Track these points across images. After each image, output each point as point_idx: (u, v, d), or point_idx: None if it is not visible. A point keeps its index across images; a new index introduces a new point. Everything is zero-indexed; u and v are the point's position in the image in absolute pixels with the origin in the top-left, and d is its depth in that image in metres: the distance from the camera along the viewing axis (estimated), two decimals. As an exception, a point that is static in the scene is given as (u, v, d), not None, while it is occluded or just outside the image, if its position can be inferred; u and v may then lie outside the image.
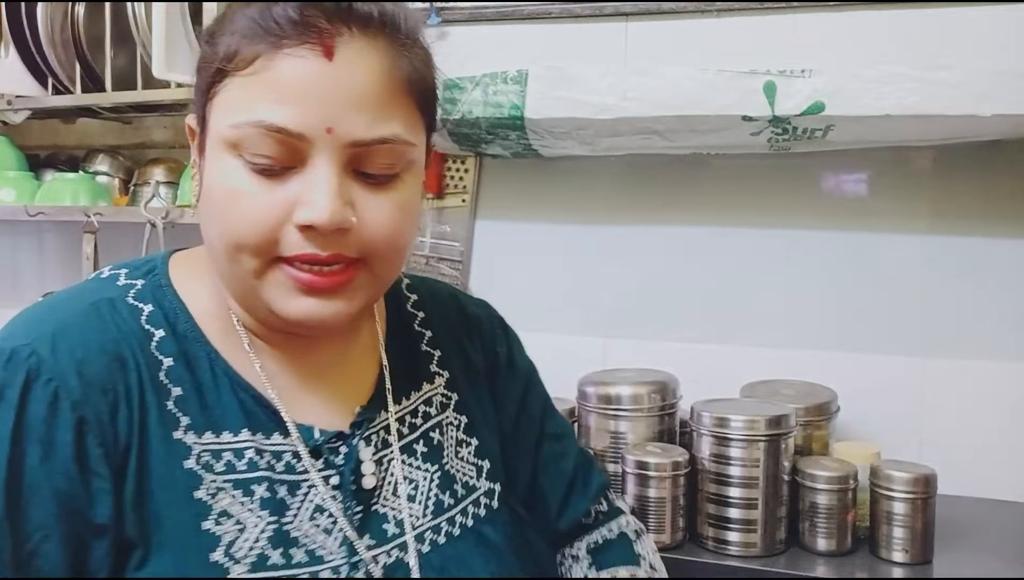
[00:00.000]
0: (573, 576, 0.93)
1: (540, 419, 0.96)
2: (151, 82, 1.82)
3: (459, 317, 0.95)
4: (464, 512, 0.83)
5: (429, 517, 0.81)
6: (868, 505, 1.36)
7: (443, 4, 1.72)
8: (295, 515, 0.74)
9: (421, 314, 0.92)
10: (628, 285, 1.81)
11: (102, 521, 0.68)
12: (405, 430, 0.83)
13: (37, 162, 2.24)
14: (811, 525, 1.35)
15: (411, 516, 0.79)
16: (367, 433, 0.80)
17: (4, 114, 2.02)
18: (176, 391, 0.73)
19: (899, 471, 1.32)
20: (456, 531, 0.82)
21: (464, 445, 0.87)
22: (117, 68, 1.91)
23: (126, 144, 2.25)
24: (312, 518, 0.74)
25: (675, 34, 1.64)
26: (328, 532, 0.75)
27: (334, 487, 0.76)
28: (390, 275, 0.78)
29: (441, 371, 0.89)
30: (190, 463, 0.71)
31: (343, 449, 0.78)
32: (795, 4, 1.55)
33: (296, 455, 0.76)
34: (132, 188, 2.09)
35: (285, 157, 0.69)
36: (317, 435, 0.77)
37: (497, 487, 0.87)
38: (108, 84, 1.90)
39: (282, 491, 0.74)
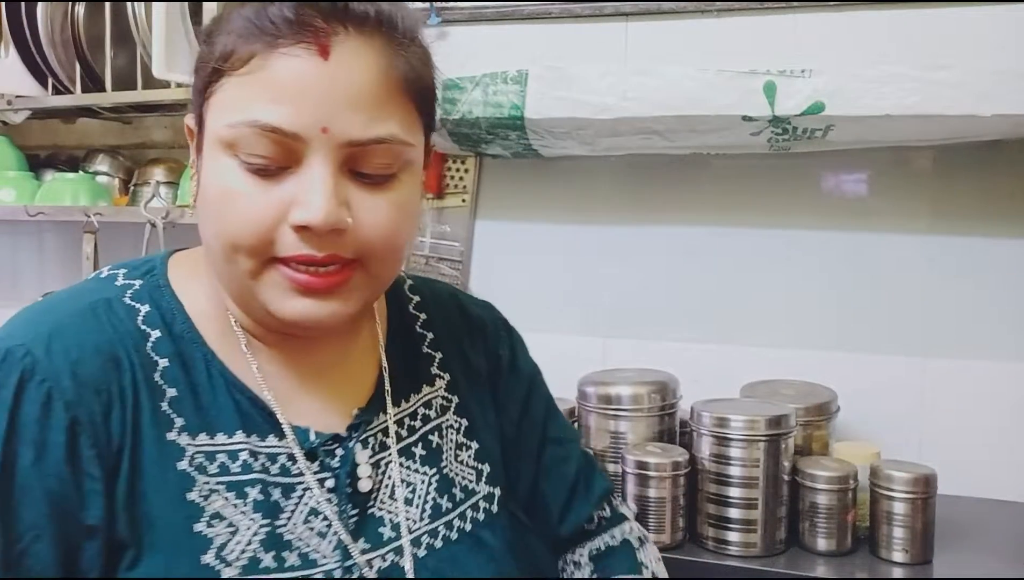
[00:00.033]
0: None
1: (543, 423, 0.94)
2: (151, 82, 1.81)
3: (462, 319, 0.94)
4: (462, 516, 0.83)
5: (426, 521, 0.80)
6: (868, 505, 1.36)
7: (443, 4, 1.72)
8: (289, 518, 0.73)
9: (423, 316, 0.91)
10: (628, 285, 1.81)
11: (94, 522, 0.68)
12: (404, 433, 0.83)
13: (37, 162, 2.24)
14: (811, 525, 1.35)
15: (408, 520, 0.79)
16: (364, 435, 0.79)
17: (4, 114, 2.02)
18: (171, 392, 0.73)
19: (899, 471, 1.32)
20: (454, 535, 0.81)
21: (464, 448, 0.86)
22: (117, 68, 1.91)
23: (126, 144, 2.25)
24: (306, 521, 0.74)
25: (675, 34, 1.64)
26: (322, 535, 0.74)
27: (329, 490, 0.76)
28: (388, 275, 0.77)
29: (442, 374, 0.89)
30: (183, 465, 0.71)
31: (339, 451, 0.77)
32: (795, 4, 1.55)
33: (291, 457, 0.75)
34: (132, 188, 2.10)
35: (281, 157, 0.69)
36: (312, 437, 0.77)
37: (497, 491, 0.86)
38: (108, 84, 1.90)
39: (276, 494, 0.73)
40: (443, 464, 0.84)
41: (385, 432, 0.81)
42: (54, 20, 1.97)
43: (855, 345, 1.66)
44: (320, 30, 0.68)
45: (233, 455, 0.73)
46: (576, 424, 1.53)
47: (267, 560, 0.71)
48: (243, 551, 0.70)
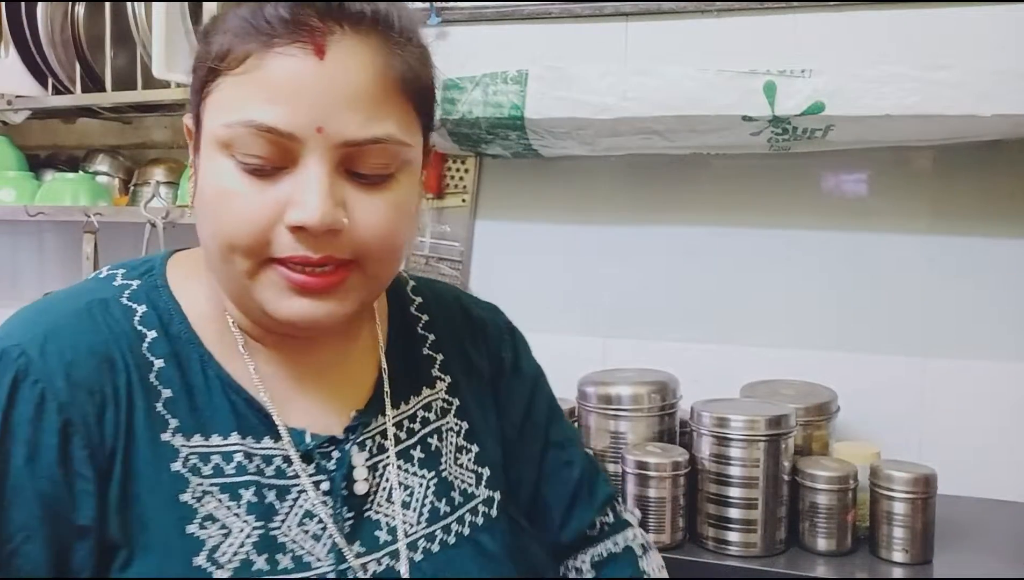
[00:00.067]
0: None
1: (545, 426, 0.93)
2: (151, 82, 1.82)
3: (464, 321, 0.93)
4: (461, 520, 0.82)
5: (423, 525, 0.79)
6: (868, 505, 1.36)
7: (443, 4, 1.72)
8: (283, 520, 0.73)
9: (425, 317, 0.90)
10: (628, 285, 1.81)
11: (85, 523, 0.68)
12: (403, 435, 0.82)
13: (37, 162, 2.24)
14: (811, 525, 1.35)
15: (405, 523, 0.78)
16: (361, 438, 0.79)
17: (4, 114, 2.02)
18: (166, 393, 0.73)
19: (899, 471, 1.32)
20: (451, 539, 0.80)
21: (464, 451, 0.85)
22: (117, 68, 1.91)
23: (126, 144, 2.25)
24: (301, 524, 0.73)
25: (675, 34, 1.64)
26: (317, 538, 0.73)
27: (324, 492, 0.75)
28: (385, 276, 0.77)
29: (443, 376, 0.88)
30: (177, 466, 0.71)
31: (335, 454, 0.77)
32: (795, 4, 1.55)
33: (287, 459, 0.75)
34: (132, 188, 2.09)
35: (276, 157, 0.69)
36: (308, 439, 0.76)
37: (497, 495, 0.86)
38: (108, 84, 1.90)
39: (271, 496, 0.73)
40: (442, 467, 0.83)
41: (383, 434, 0.81)
42: (54, 20, 1.97)
43: (855, 345, 1.66)
44: (316, 29, 0.68)
45: (227, 457, 0.73)
46: (576, 424, 1.53)
47: (259, 562, 0.71)
48: (235, 553, 0.70)
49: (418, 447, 0.82)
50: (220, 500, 0.71)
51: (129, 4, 1.84)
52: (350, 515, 0.76)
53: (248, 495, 0.72)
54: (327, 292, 0.71)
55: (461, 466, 0.85)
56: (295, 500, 0.74)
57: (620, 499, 0.97)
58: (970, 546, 1.38)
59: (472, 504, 0.83)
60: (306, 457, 0.75)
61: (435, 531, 0.80)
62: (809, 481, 1.35)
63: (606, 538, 0.93)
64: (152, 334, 0.74)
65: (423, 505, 0.80)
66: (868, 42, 1.52)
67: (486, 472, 0.86)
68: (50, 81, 1.99)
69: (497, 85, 1.59)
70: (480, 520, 0.83)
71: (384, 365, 0.84)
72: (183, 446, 0.72)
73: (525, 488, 0.90)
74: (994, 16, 1.44)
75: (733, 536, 1.34)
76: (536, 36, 1.72)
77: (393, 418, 0.82)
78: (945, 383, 1.62)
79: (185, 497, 0.70)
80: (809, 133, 1.49)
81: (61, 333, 0.71)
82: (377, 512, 0.78)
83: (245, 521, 0.71)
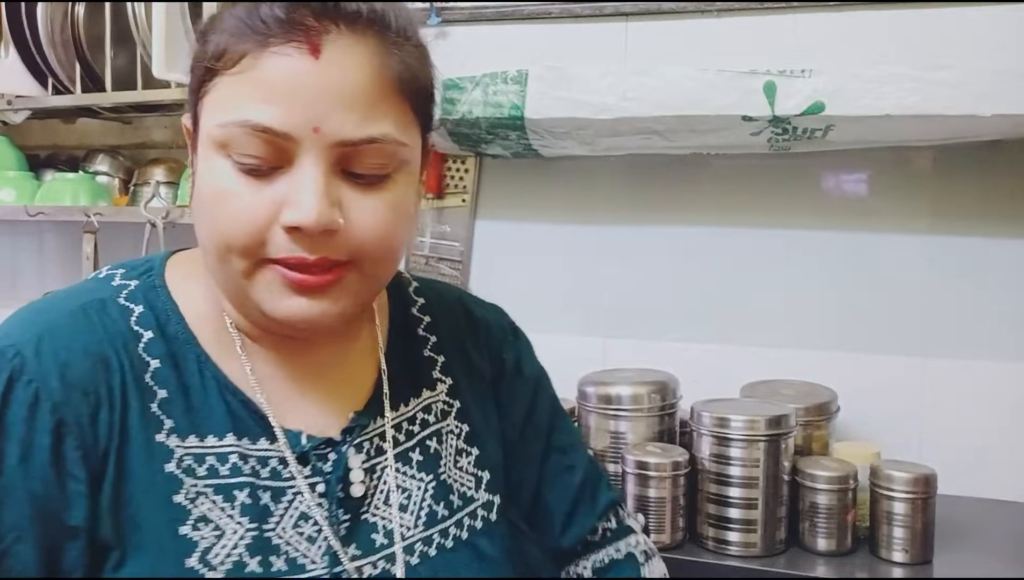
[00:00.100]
0: None
1: (548, 430, 0.92)
2: (151, 82, 1.82)
3: (467, 322, 0.92)
4: (459, 524, 0.81)
5: (421, 528, 0.79)
6: (868, 505, 1.36)
7: (443, 4, 1.73)
8: (278, 522, 0.72)
9: (427, 318, 0.90)
10: (628, 285, 1.81)
11: (77, 523, 0.68)
12: (401, 437, 0.81)
13: (37, 162, 2.24)
14: (811, 525, 1.35)
15: (402, 527, 0.77)
16: (359, 440, 0.78)
17: (4, 114, 2.03)
18: (161, 393, 0.72)
19: (899, 471, 1.32)
20: (449, 543, 0.80)
21: (464, 454, 0.85)
22: (117, 68, 1.91)
23: (126, 144, 2.25)
24: (296, 526, 0.73)
25: (675, 34, 1.64)
26: (312, 540, 0.73)
27: (320, 495, 0.75)
28: (383, 276, 0.76)
29: (444, 378, 0.87)
30: (171, 467, 0.71)
31: (332, 456, 0.76)
32: (795, 4, 1.55)
33: (282, 461, 0.74)
34: (132, 188, 2.10)
35: (272, 157, 0.68)
36: (304, 441, 0.75)
37: (496, 499, 0.85)
38: (108, 84, 1.90)
39: (265, 497, 0.73)
40: (441, 470, 0.82)
41: (382, 436, 0.80)
42: (54, 20, 1.97)
43: (855, 345, 1.66)
44: (311, 29, 0.67)
45: (222, 458, 0.72)
46: (576, 424, 1.53)
47: (252, 564, 0.70)
48: (228, 555, 0.70)
49: (417, 450, 0.82)
50: (214, 501, 0.71)
51: (129, 4, 1.84)
52: (346, 517, 0.76)
53: (242, 496, 0.72)
54: (323, 290, 0.71)
55: (461, 469, 0.84)
56: (290, 502, 0.74)
57: (624, 505, 0.96)
58: (970, 546, 1.38)
59: (471, 508, 0.83)
60: (302, 459, 0.75)
61: (433, 535, 0.79)
62: (809, 481, 1.35)
63: (608, 544, 0.92)
64: (148, 334, 0.74)
65: (421, 508, 0.79)
66: (868, 42, 1.52)
67: (486, 476, 0.85)
68: (50, 81, 2.00)
69: (497, 85, 1.59)
70: (479, 524, 0.82)
71: (384, 367, 0.83)
72: (178, 447, 0.71)
73: (526, 491, 0.89)
74: (994, 16, 1.44)
75: (733, 536, 1.34)
76: (536, 36, 1.72)
77: (392, 420, 0.81)
78: (945, 383, 1.62)
79: (178, 498, 0.70)
80: (809, 133, 1.49)
81: (56, 333, 0.71)
82: (374, 515, 0.77)
83: (239, 523, 0.71)
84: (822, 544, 1.34)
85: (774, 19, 1.57)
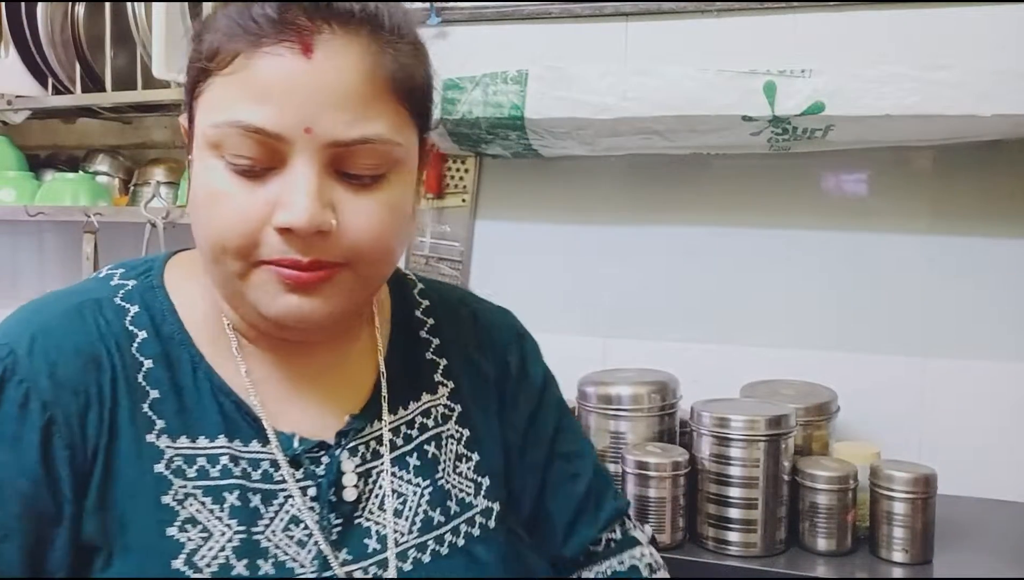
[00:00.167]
0: None
1: (551, 436, 0.90)
2: (151, 82, 1.82)
3: (471, 325, 0.90)
4: (456, 531, 0.80)
5: (415, 534, 0.78)
6: (868, 505, 1.35)
7: (443, 4, 1.73)
8: (268, 525, 0.72)
9: (430, 321, 0.88)
10: (628, 285, 1.81)
11: (63, 523, 0.68)
12: (399, 441, 0.80)
13: (37, 162, 2.24)
14: (811, 525, 1.35)
15: (396, 532, 0.76)
16: (354, 443, 0.77)
17: (4, 114, 2.03)
18: (153, 394, 0.72)
19: (899, 471, 1.32)
20: (444, 550, 0.78)
21: (464, 460, 0.83)
22: (117, 68, 1.91)
23: (126, 144, 2.25)
24: (287, 529, 0.72)
25: (675, 34, 1.64)
26: (302, 544, 0.72)
27: (312, 498, 0.74)
28: (378, 278, 0.76)
29: (445, 381, 0.86)
30: (160, 467, 0.70)
31: (325, 459, 0.75)
32: (795, 4, 1.55)
33: (274, 464, 0.74)
34: (132, 188, 2.10)
35: (265, 158, 0.68)
36: (296, 444, 0.75)
37: (496, 506, 0.84)
38: (108, 84, 1.90)
39: (255, 500, 0.72)
40: (439, 476, 0.81)
41: (379, 440, 0.79)
42: (54, 20, 1.97)
43: (855, 345, 1.66)
44: (303, 28, 0.67)
45: (213, 459, 0.72)
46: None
47: (239, 567, 0.70)
48: (215, 557, 0.69)
49: (415, 454, 0.81)
50: (203, 503, 0.70)
51: (129, 4, 1.84)
52: (338, 522, 0.75)
53: (232, 499, 0.71)
54: (316, 288, 0.70)
55: (460, 475, 0.83)
56: (281, 505, 0.73)
57: (631, 516, 0.94)
58: (970, 546, 1.38)
59: (469, 515, 0.82)
60: (294, 462, 0.74)
61: (427, 541, 0.78)
62: (809, 481, 1.35)
63: (612, 556, 0.90)
64: (143, 334, 0.74)
65: (416, 514, 0.78)
66: (868, 42, 1.52)
67: (486, 482, 0.84)
68: (50, 81, 2.00)
69: (497, 85, 1.59)
70: (476, 531, 0.81)
71: (383, 369, 0.82)
72: (168, 447, 0.71)
73: (527, 498, 0.88)
74: (994, 16, 1.44)
75: (733, 536, 1.34)
76: (536, 36, 1.72)
77: (390, 424, 0.80)
78: (945, 383, 1.61)
79: (167, 499, 0.70)
80: (809, 133, 1.49)
81: (49, 333, 0.71)
82: (368, 519, 0.76)
83: (227, 525, 0.71)
84: (822, 544, 1.34)
85: (774, 19, 1.57)
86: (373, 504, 0.77)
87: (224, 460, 0.72)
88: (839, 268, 1.68)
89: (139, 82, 1.87)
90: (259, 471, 0.73)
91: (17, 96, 2.00)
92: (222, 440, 0.73)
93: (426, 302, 0.90)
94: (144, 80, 1.85)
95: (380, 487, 0.78)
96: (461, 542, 0.80)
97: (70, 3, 1.97)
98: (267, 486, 0.73)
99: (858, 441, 1.53)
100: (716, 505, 1.36)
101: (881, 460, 1.39)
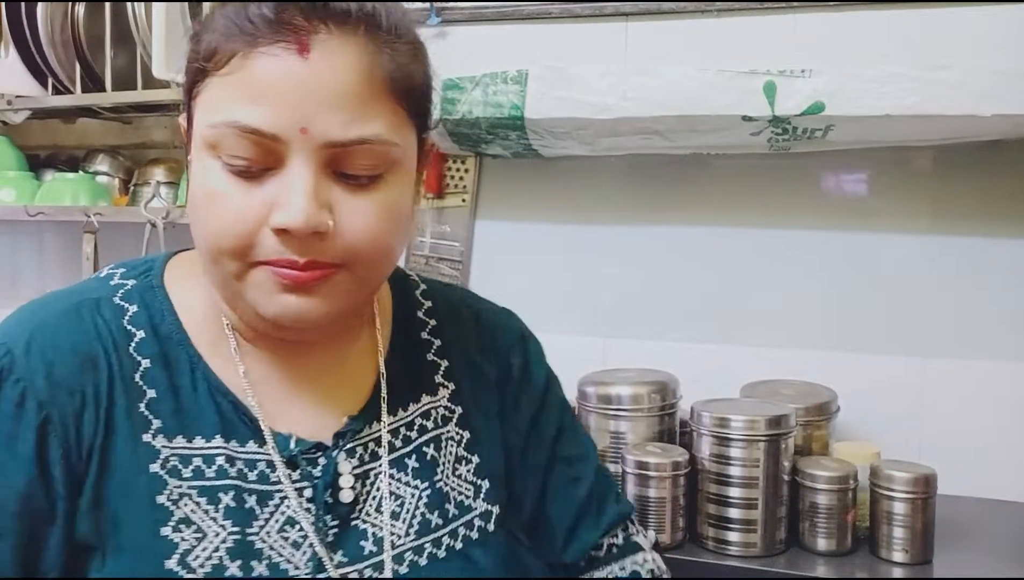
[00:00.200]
0: None
1: (553, 439, 0.89)
2: (151, 82, 1.82)
3: (474, 327, 0.90)
4: (453, 534, 0.79)
5: (412, 537, 0.77)
6: (868, 505, 1.35)
7: (443, 4, 1.73)
8: (263, 526, 0.72)
9: (432, 322, 0.88)
10: (628, 285, 1.81)
11: (58, 522, 0.68)
12: (398, 443, 0.80)
13: (37, 162, 2.24)
14: (811, 525, 1.35)
15: (393, 534, 0.76)
16: (351, 445, 0.77)
17: (4, 114, 2.03)
18: (150, 393, 0.72)
19: (899, 471, 1.32)
20: (441, 553, 0.78)
21: (464, 462, 0.83)
22: (117, 68, 1.91)
23: (126, 144, 2.25)
24: (282, 531, 0.72)
25: (675, 34, 1.64)
26: (297, 546, 0.72)
27: (308, 500, 0.74)
28: (376, 278, 0.76)
29: (446, 383, 0.85)
30: (155, 467, 0.70)
31: (321, 460, 0.75)
32: (795, 4, 1.55)
33: (270, 464, 0.73)
34: (132, 188, 2.10)
35: (261, 158, 0.67)
36: (293, 445, 0.75)
37: (495, 509, 0.83)
38: (108, 84, 1.91)
39: (251, 501, 0.72)
40: (437, 478, 0.80)
41: (377, 442, 0.78)
42: (54, 20, 1.97)
43: (855, 345, 1.66)
44: (299, 28, 0.67)
45: (209, 459, 0.72)
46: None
47: (233, 568, 0.70)
48: (208, 558, 0.69)
49: (413, 456, 0.80)
50: (197, 503, 0.70)
51: (129, 4, 1.84)
52: (334, 524, 0.74)
53: (227, 499, 0.71)
54: (313, 288, 0.69)
55: (459, 477, 0.82)
56: (276, 506, 0.73)
57: (634, 521, 0.93)
58: (970, 546, 1.38)
59: (468, 518, 0.81)
60: (291, 463, 0.74)
61: (424, 544, 0.78)
62: (809, 481, 1.34)
63: (613, 561, 0.89)
64: (140, 334, 0.74)
65: (413, 516, 0.78)
66: (868, 42, 1.52)
67: (485, 484, 0.83)
68: (50, 81, 2.00)
69: (497, 85, 1.59)
70: (475, 535, 0.80)
71: (383, 370, 0.82)
72: (164, 447, 0.71)
73: (528, 500, 0.87)
74: (994, 16, 1.44)
75: (733, 536, 1.34)
76: (536, 36, 1.72)
77: (389, 425, 0.80)
78: (945, 383, 1.61)
79: (161, 499, 0.70)
80: (809, 133, 1.49)
81: (46, 332, 0.72)
82: (364, 522, 0.76)
83: (221, 526, 0.70)
84: (822, 544, 1.34)
85: (774, 19, 1.57)
86: (370, 506, 0.77)
87: (220, 460, 0.72)
88: (839, 268, 1.68)
89: (139, 82, 1.87)
90: (255, 472, 0.73)
91: (17, 96, 2.00)
92: (218, 440, 0.73)
93: (428, 303, 0.89)
94: (144, 80, 1.85)
95: (377, 489, 0.77)
96: (459, 545, 0.79)
97: (70, 3, 1.97)
98: (263, 487, 0.73)
99: (858, 441, 1.53)
100: (716, 505, 1.36)
101: (881, 460, 1.38)
